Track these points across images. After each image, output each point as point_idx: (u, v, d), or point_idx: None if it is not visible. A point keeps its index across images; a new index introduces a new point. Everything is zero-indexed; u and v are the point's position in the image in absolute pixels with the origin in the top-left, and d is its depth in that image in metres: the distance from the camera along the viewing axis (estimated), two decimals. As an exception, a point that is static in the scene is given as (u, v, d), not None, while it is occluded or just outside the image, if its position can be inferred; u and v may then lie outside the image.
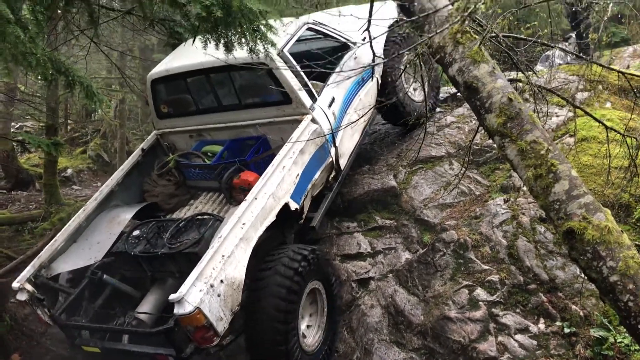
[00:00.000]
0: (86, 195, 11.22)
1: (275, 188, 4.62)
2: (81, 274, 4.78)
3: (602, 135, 5.36)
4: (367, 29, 4.09)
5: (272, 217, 4.55)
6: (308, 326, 4.80)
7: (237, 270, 4.13)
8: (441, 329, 4.71)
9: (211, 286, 3.88)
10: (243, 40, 2.96)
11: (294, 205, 4.85)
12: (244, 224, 4.27)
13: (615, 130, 3.46)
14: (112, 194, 5.51)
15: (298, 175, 4.93)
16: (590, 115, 3.55)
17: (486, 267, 4.97)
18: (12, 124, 12.67)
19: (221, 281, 3.96)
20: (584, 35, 5.93)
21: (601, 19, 2.81)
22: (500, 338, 4.52)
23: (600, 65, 3.07)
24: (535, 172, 2.82)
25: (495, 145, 3.17)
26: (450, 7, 2.72)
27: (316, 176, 5.23)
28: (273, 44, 3.21)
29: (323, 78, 5.53)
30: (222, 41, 2.97)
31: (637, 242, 3.95)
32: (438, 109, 7.20)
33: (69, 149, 13.52)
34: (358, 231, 5.86)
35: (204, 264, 3.91)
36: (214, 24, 2.84)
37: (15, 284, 4.55)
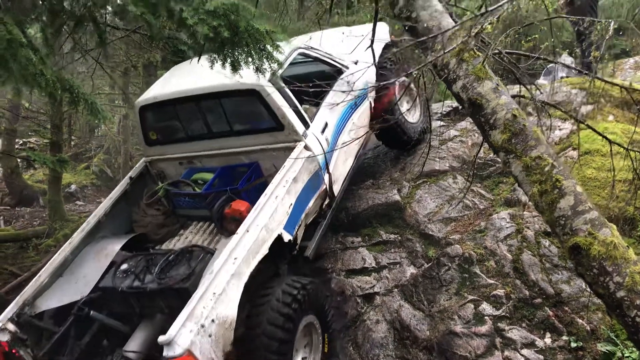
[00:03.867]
0: (89, 211, 11.26)
1: (268, 219, 4.45)
2: (67, 308, 4.58)
3: (605, 148, 5.39)
4: (371, 46, 4.12)
5: (264, 250, 4.37)
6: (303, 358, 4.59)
7: (229, 308, 3.94)
8: (447, 344, 4.70)
9: (202, 326, 3.69)
10: (250, 59, 3.00)
11: (287, 237, 4.67)
12: (235, 258, 4.10)
13: (619, 145, 3.47)
14: (100, 224, 5.28)
15: (291, 204, 4.76)
16: (594, 130, 3.57)
17: (491, 282, 4.96)
18: (17, 140, 12.76)
19: (212, 320, 3.77)
20: (587, 54, 5.98)
21: (603, 37, 2.85)
22: (506, 353, 4.51)
23: (603, 80, 3.09)
24: (540, 187, 2.84)
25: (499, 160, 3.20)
26: (456, 27, 2.76)
27: (310, 205, 5.08)
28: (279, 63, 3.24)
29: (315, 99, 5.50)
30: (229, 60, 3.01)
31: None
32: (441, 123, 7.23)
33: (73, 164, 13.59)
34: (362, 246, 5.85)
35: (194, 302, 3.73)
36: (220, 44, 2.88)
37: None
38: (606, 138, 3.48)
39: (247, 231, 4.28)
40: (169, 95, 5.38)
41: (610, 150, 3.70)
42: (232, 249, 4.10)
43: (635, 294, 2.58)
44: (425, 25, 3.10)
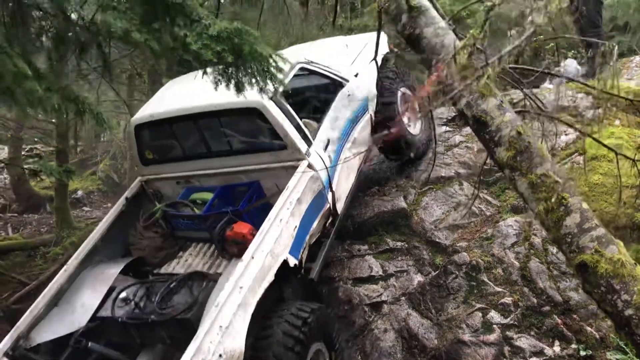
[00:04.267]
0: (96, 217, 11.32)
1: (273, 244, 4.29)
2: (64, 340, 4.36)
3: (611, 154, 5.36)
4: (374, 58, 4.12)
5: (270, 277, 4.22)
6: None
7: (236, 341, 3.78)
8: (455, 353, 4.70)
9: None
10: (254, 80, 3.01)
11: (292, 261, 4.52)
12: (241, 287, 3.93)
13: (625, 157, 3.46)
14: (96, 249, 5.07)
15: (296, 227, 4.60)
16: (599, 142, 3.56)
17: (499, 289, 4.96)
18: (23, 146, 12.84)
19: (220, 355, 3.62)
20: (589, 78, 5.97)
21: (606, 62, 2.85)
22: (515, 362, 4.51)
23: (609, 94, 3.09)
24: (546, 205, 2.83)
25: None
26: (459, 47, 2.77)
27: (314, 225, 4.95)
28: (282, 83, 3.25)
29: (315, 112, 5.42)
30: (233, 82, 3.02)
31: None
32: (447, 128, 7.21)
33: (79, 171, 13.64)
34: (369, 254, 5.84)
35: (200, 337, 3.58)
36: (225, 66, 2.90)
37: None
38: (611, 149, 3.48)
39: (252, 258, 4.12)
40: (167, 114, 5.21)
41: (617, 159, 3.69)
42: (237, 278, 3.95)
43: (643, 313, 2.58)
44: (428, 42, 3.11)
